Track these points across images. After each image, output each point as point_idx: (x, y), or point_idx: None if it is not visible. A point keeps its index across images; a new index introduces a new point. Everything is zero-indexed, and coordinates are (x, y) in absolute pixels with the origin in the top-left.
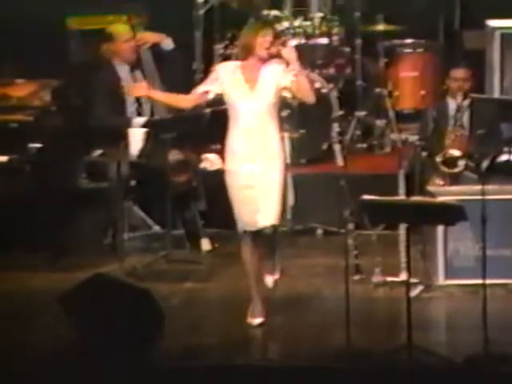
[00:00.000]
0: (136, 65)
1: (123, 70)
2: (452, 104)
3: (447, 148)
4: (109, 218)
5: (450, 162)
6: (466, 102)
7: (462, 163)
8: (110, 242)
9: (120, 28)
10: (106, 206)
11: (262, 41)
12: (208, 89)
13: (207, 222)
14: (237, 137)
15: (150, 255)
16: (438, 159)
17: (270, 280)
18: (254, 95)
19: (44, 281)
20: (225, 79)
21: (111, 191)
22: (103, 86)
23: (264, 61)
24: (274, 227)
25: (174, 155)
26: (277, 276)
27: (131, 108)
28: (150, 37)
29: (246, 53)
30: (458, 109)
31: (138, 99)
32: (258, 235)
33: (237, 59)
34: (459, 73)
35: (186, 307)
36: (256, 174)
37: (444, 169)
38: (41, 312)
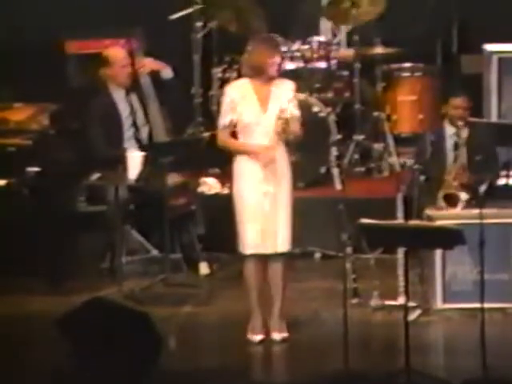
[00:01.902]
0: (132, 89)
1: (119, 95)
2: (450, 130)
3: (448, 183)
4: (107, 241)
5: (452, 200)
6: (465, 133)
7: (462, 203)
8: (108, 266)
9: (117, 52)
10: (105, 229)
11: (272, 62)
12: (231, 118)
13: (205, 245)
14: (248, 157)
15: (148, 279)
16: (440, 194)
17: (277, 336)
18: (266, 115)
19: (43, 304)
20: (237, 101)
21: (109, 215)
22: (99, 111)
23: (272, 78)
24: (287, 253)
25: (173, 179)
26: (285, 334)
27: (129, 132)
28: (150, 64)
29: (257, 72)
30: (456, 145)
31: (134, 123)
32: (266, 258)
33: (239, 77)
34: (459, 101)
35: (185, 331)
36: (266, 194)
37: (444, 204)
38: (40, 336)
